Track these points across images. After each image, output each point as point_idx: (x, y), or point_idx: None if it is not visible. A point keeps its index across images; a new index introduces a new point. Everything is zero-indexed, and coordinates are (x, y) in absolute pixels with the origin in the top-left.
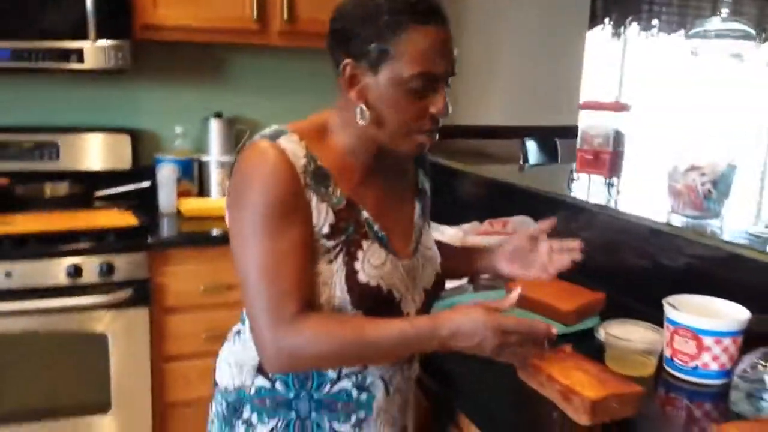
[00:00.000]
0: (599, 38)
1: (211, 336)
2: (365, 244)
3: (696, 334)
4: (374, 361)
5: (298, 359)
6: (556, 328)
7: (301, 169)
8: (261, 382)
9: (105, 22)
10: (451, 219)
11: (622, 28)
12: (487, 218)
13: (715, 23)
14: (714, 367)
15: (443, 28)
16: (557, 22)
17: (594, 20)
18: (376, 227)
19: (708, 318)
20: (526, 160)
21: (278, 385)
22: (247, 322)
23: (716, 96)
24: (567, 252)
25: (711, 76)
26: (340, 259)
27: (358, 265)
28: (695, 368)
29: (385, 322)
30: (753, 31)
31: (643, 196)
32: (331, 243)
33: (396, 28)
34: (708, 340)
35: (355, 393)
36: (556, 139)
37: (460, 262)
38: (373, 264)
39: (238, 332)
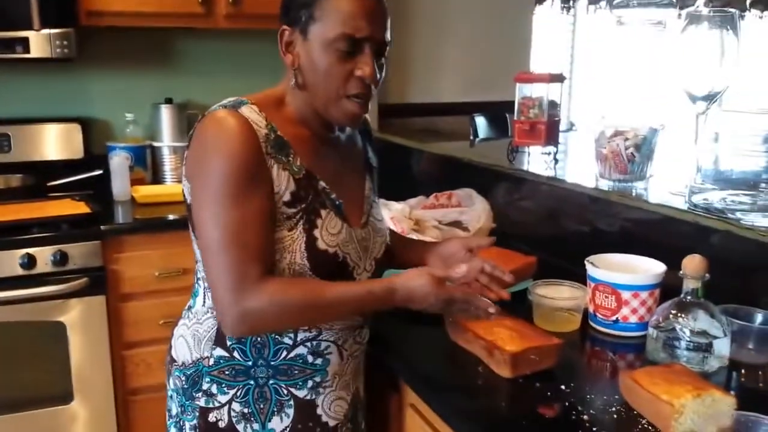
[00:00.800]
0: (549, 13)
1: (169, 321)
2: (323, 212)
3: (615, 289)
4: (332, 321)
5: (259, 321)
6: (494, 308)
7: (263, 138)
8: (219, 352)
9: (49, 10)
10: (401, 195)
11: (570, 2)
12: (435, 192)
13: None
14: (633, 319)
15: None
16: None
17: None
18: (333, 196)
19: (625, 273)
20: (476, 135)
21: (236, 354)
22: (198, 296)
23: (642, 63)
24: (496, 282)
25: (635, 44)
26: (300, 226)
27: (317, 233)
28: (616, 321)
29: (343, 286)
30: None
31: (578, 163)
32: (291, 210)
33: None
34: (626, 295)
35: (310, 358)
36: (507, 114)
37: (401, 251)
38: (330, 232)
39: (189, 308)
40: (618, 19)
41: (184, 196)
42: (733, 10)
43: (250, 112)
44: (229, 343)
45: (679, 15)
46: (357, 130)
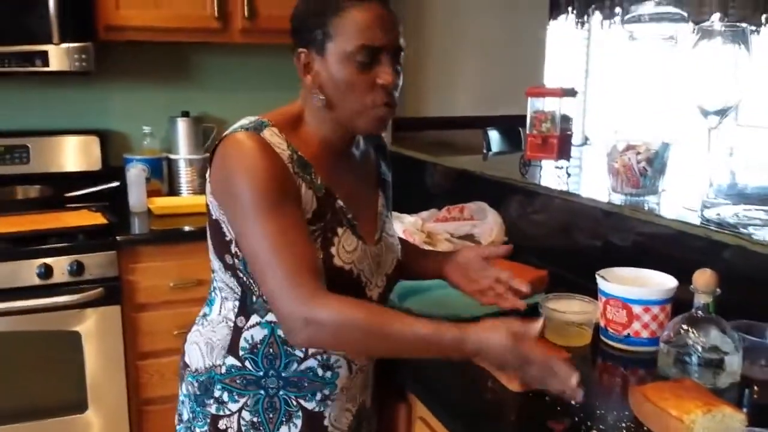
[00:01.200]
0: (563, 28)
1: (183, 332)
2: (340, 231)
3: (626, 303)
4: (389, 355)
5: (321, 333)
6: (577, 379)
7: (287, 159)
8: (231, 361)
9: (68, 25)
10: (414, 208)
11: (585, 17)
12: (447, 206)
13: (649, 7)
14: (645, 334)
15: (381, 5)
16: (519, 13)
17: (557, 10)
18: (349, 215)
19: (636, 287)
20: (489, 149)
21: (248, 364)
22: (214, 305)
23: (655, 78)
24: (513, 293)
25: (648, 59)
26: (318, 244)
27: (333, 250)
28: (627, 336)
29: (411, 320)
30: (686, 14)
31: (591, 177)
32: (311, 228)
33: (335, 10)
34: (637, 309)
35: (320, 372)
36: (520, 128)
37: (415, 262)
38: (347, 249)
39: (204, 315)
40: (630, 34)
41: (207, 208)
42: (744, 24)
43: (271, 135)
44: (241, 352)
45: (694, 30)
46: (370, 145)
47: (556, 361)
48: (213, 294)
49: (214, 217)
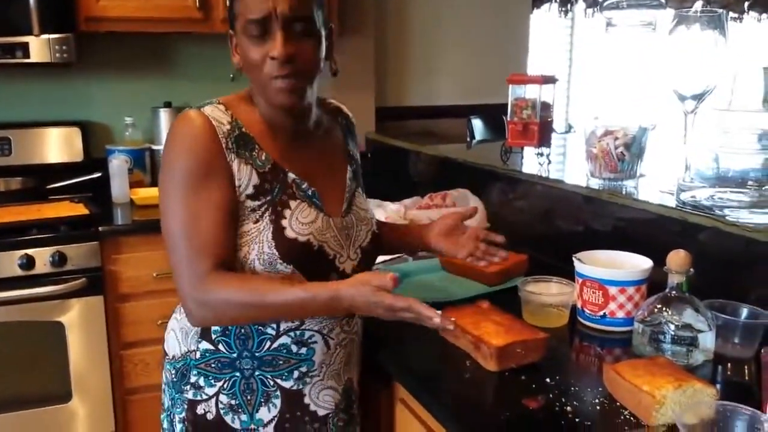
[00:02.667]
0: (547, 17)
1: (166, 321)
2: (293, 203)
3: (601, 284)
4: (275, 320)
5: (211, 313)
6: (438, 319)
7: (224, 134)
8: (205, 345)
9: (48, 16)
10: (398, 196)
11: (568, 6)
12: (430, 193)
13: None
14: (620, 314)
15: None
16: (503, 2)
17: None
18: (304, 186)
19: (611, 269)
20: (473, 137)
21: (221, 347)
22: None
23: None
24: (493, 246)
25: (628, 46)
26: (266, 217)
27: (285, 222)
28: (603, 317)
29: (288, 287)
30: (664, 0)
31: (572, 163)
32: (255, 203)
33: None
34: (613, 290)
35: (294, 348)
36: (504, 116)
37: (395, 237)
38: (301, 221)
39: None
40: (608, 21)
41: None
42: (720, 10)
43: (212, 110)
44: (214, 336)
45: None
46: (336, 121)
47: (418, 305)
48: None
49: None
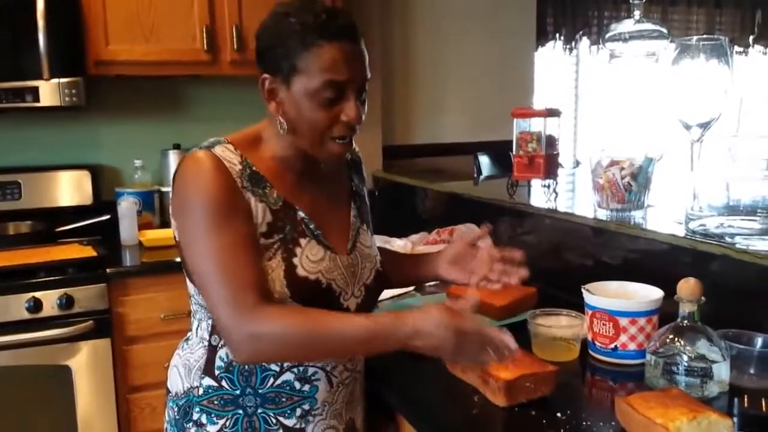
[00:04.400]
0: (552, 54)
1: None
2: (303, 241)
3: (612, 315)
4: (335, 354)
5: (263, 347)
6: (514, 342)
7: (237, 174)
8: (208, 382)
9: (58, 61)
10: (406, 233)
11: (573, 43)
12: (437, 229)
13: (628, 25)
14: (632, 347)
15: (350, 44)
16: (507, 40)
17: (545, 37)
18: (312, 226)
19: (622, 300)
20: (479, 173)
21: (224, 383)
22: (193, 327)
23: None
24: (510, 264)
25: (632, 77)
26: (279, 255)
27: (296, 261)
28: (614, 349)
29: (347, 316)
30: (665, 30)
31: (579, 195)
32: (269, 241)
33: (304, 45)
34: (623, 321)
35: (297, 385)
36: (510, 152)
37: (404, 269)
38: (311, 259)
39: (187, 339)
40: (612, 52)
41: (174, 235)
42: (722, 37)
43: (223, 150)
44: (217, 372)
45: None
46: (344, 160)
47: (488, 328)
48: (192, 318)
49: (177, 239)
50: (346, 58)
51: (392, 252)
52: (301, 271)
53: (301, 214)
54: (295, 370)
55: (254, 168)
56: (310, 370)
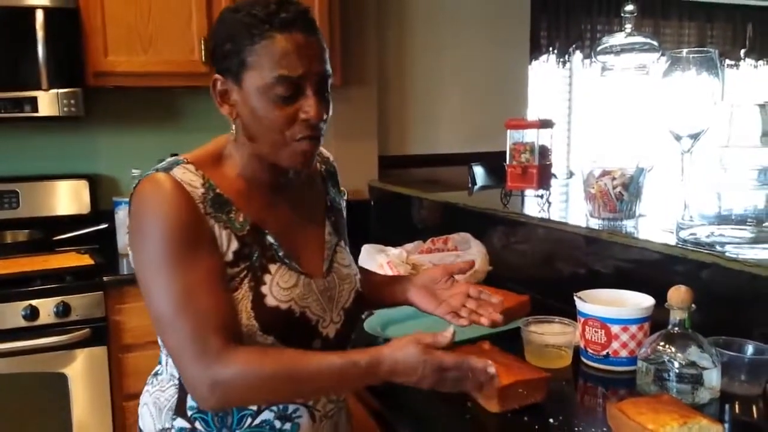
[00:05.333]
0: (545, 67)
1: None
2: (273, 267)
3: (603, 323)
4: (310, 396)
5: (230, 393)
6: (493, 369)
7: (200, 198)
8: (180, 423)
9: (57, 71)
10: (400, 242)
11: (566, 57)
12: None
13: (619, 38)
14: (623, 354)
15: (303, 35)
16: (501, 53)
17: (539, 50)
18: (281, 253)
19: (613, 307)
20: (474, 183)
21: (198, 425)
22: (162, 361)
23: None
24: (485, 307)
25: (623, 90)
26: (245, 285)
27: (265, 289)
28: (606, 356)
29: (320, 356)
30: (656, 43)
31: (572, 205)
32: (234, 270)
33: (252, 38)
34: (615, 328)
35: (278, 424)
36: (504, 163)
37: (376, 291)
38: (282, 286)
39: (156, 374)
40: (603, 65)
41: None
42: (712, 50)
43: (183, 173)
44: (189, 413)
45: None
46: (318, 171)
47: (469, 359)
48: (161, 351)
49: (134, 271)
50: (299, 51)
51: (366, 271)
52: (270, 301)
53: (269, 238)
54: (275, 408)
55: (218, 190)
56: (291, 408)
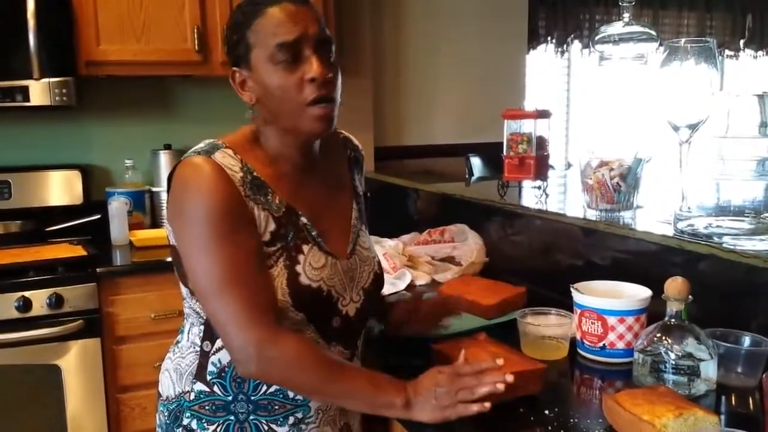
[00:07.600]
0: (543, 57)
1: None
2: (305, 248)
3: (600, 314)
4: (334, 399)
5: (271, 371)
6: (511, 376)
7: (239, 182)
8: (200, 387)
9: (48, 60)
10: (397, 233)
11: (565, 46)
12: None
13: (617, 28)
14: (620, 345)
15: (293, 4)
16: (499, 42)
17: (537, 39)
18: (314, 233)
19: (610, 299)
20: (471, 174)
21: (216, 389)
22: (185, 331)
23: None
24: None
25: (622, 79)
26: (281, 263)
27: (299, 268)
28: (603, 348)
29: (358, 373)
30: (654, 33)
31: (569, 196)
32: (271, 249)
33: (249, 21)
34: (612, 320)
35: (291, 393)
36: (501, 153)
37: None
38: (314, 266)
39: (177, 342)
40: (601, 54)
41: (168, 239)
42: (710, 40)
43: (223, 157)
44: (209, 377)
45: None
46: (344, 157)
47: (480, 363)
48: (184, 320)
49: (172, 243)
50: (292, 18)
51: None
52: (304, 279)
53: (303, 219)
54: None
55: (255, 173)
56: None
